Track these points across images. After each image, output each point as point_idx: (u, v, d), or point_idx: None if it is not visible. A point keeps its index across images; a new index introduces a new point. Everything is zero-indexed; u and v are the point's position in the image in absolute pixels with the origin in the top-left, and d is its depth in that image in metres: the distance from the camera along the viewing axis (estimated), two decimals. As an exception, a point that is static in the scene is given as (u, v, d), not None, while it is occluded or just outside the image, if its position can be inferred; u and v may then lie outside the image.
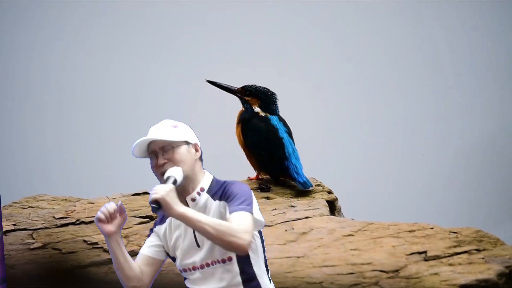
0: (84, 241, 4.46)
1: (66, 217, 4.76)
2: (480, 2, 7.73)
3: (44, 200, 5.24)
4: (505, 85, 7.83)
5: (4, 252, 3.67)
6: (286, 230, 4.50)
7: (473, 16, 7.80)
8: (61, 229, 4.65)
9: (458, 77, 7.82)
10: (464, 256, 4.11)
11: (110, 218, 2.89)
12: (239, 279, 2.89)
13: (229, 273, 2.88)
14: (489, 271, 3.93)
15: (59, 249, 4.42)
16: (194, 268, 2.91)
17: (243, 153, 5.20)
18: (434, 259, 4.11)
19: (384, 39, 7.82)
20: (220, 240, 2.78)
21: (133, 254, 4.32)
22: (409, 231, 4.40)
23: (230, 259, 2.88)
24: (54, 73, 7.75)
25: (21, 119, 7.73)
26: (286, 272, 4.09)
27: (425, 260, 4.11)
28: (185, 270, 2.93)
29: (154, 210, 2.77)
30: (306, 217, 4.65)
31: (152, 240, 3.00)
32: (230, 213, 2.83)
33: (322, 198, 4.98)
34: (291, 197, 4.99)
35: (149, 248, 2.99)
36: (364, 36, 7.81)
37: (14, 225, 4.70)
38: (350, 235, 4.41)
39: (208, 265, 2.89)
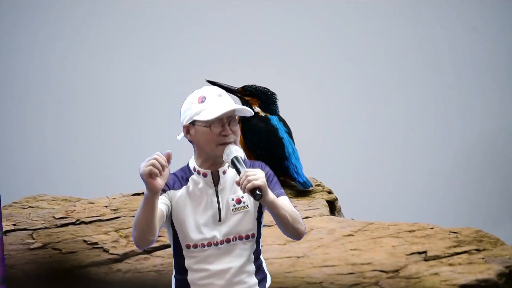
0: (84, 241, 4.46)
1: (66, 217, 4.76)
2: (480, 2, 7.73)
3: (44, 200, 5.24)
4: (505, 85, 7.83)
5: (4, 252, 3.67)
6: (286, 230, 4.49)
7: (473, 16, 7.80)
8: (61, 229, 4.65)
9: (458, 77, 7.82)
10: (464, 256, 4.11)
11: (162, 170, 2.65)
12: (253, 256, 2.85)
13: (247, 250, 2.82)
14: (489, 271, 3.94)
15: (59, 249, 4.42)
16: (209, 244, 2.79)
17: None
18: (434, 259, 4.11)
19: (384, 39, 7.82)
20: (292, 227, 2.77)
21: (133, 254, 4.32)
22: (409, 231, 4.40)
23: (253, 235, 2.84)
24: (54, 73, 7.75)
25: (21, 119, 7.73)
26: (286, 272, 4.09)
27: (425, 260, 4.11)
28: (195, 246, 2.81)
29: (258, 197, 2.68)
30: (306, 217, 4.65)
31: (164, 199, 2.81)
32: (277, 195, 2.81)
33: (322, 198, 4.98)
34: (291, 197, 4.99)
35: (162, 204, 2.79)
36: (364, 36, 7.81)
37: (14, 225, 4.70)
38: (350, 235, 4.41)
39: (229, 240, 2.80)
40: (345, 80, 7.82)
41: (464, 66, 7.81)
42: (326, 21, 7.77)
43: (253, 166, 2.85)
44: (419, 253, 4.17)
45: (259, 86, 5.22)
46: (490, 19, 7.80)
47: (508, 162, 7.78)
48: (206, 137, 2.80)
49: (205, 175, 2.84)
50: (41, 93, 7.74)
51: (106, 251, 4.34)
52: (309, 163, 5.27)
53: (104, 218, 4.70)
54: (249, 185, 2.67)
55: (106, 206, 4.86)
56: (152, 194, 2.64)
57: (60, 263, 4.35)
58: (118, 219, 4.67)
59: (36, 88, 7.75)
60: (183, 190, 2.84)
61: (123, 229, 4.56)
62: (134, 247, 4.40)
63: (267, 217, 4.67)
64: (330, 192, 5.09)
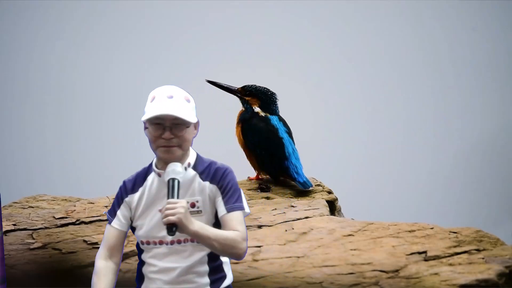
0: (84, 241, 4.46)
1: (66, 217, 4.76)
2: (480, 2, 7.73)
3: (44, 200, 5.24)
4: (505, 85, 7.83)
5: (4, 252, 3.67)
6: (286, 230, 4.50)
7: (473, 16, 7.80)
8: (61, 229, 4.65)
9: (458, 77, 7.82)
10: (464, 256, 4.11)
11: None
12: (206, 258, 2.89)
13: (200, 252, 2.88)
14: (489, 271, 3.94)
15: (59, 249, 4.42)
16: (161, 243, 2.87)
17: (243, 153, 5.20)
18: (434, 259, 4.11)
19: (384, 39, 7.82)
20: (224, 253, 2.81)
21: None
22: (409, 231, 4.40)
23: None
24: (54, 73, 7.75)
25: (21, 119, 7.73)
26: (286, 272, 4.09)
27: (425, 260, 4.11)
28: (148, 243, 2.88)
29: (171, 234, 2.72)
30: (306, 217, 4.65)
31: (124, 213, 2.93)
32: (228, 211, 2.83)
33: (322, 198, 4.98)
34: (291, 197, 4.99)
35: (121, 222, 2.93)
36: (364, 36, 7.81)
37: (14, 225, 4.70)
38: (350, 235, 4.41)
39: (179, 242, 2.87)
40: (345, 80, 7.82)
41: (464, 66, 7.81)
42: (326, 21, 7.77)
43: (215, 173, 2.86)
44: (419, 253, 4.16)
45: (259, 86, 5.22)
46: (490, 19, 7.80)
47: (508, 162, 7.78)
48: (149, 138, 2.86)
49: (159, 175, 2.89)
50: (41, 93, 7.74)
51: (106, 251, 4.34)
52: (309, 163, 5.27)
53: (104, 218, 4.70)
54: (164, 220, 2.71)
55: (106, 206, 4.87)
56: None
57: (60, 263, 4.35)
58: (118, 219, 4.67)
59: (36, 88, 7.75)
60: (140, 192, 2.90)
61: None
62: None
63: (266, 217, 4.67)
64: (330, 192, 5.09)
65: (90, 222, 4.70)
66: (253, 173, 5.24)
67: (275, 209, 4.79)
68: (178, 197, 2.77)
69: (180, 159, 2.86)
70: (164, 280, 2.88)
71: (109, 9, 7.71)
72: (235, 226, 2.82)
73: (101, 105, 7.69)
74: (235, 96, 5.24)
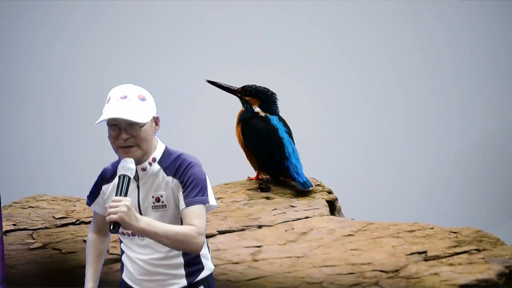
0: (84, 241, 4.45)
1: (66, 217, 4.76)
2: (480, 2, 7.74)
3: (44, 200, 5.24)
4: (505, 85, 7.83)
5: (4, 252, 3.67)
6: (286, 230, 4.50)
7: (473, 16, 7.80)
8: (61, 229, 4.65)
9: (458, 77, 7.83)
10: (464, 256, 4.11)
11: None
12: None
13: None
14: (489, 271, 3.94)
15: (59, 249, 4.42)
16: (134, 234, 2.92)
17: (243, 153, 5.20)
18: (434, 259, 4.11)
19: (384, 39, 7.82)
20: (177, 248, 2.85)
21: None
22: (409, 231, 4.40)
23: None
24: (54, 73, 7.75)
25: (21, 119, 7.74)
26: (286, 272, 4.09)
27: (425, 260, 4.11)
28: (123, 234, 2.95)
29: (113, 231, 2.75)
30: (306, 217, 4.65)
31: (99, 201, 3.05)
32: (187, 205, 2.85)
33: (322, 198, 4.98)
34: (291, 197, 4.99)
35: (101, 208, 3.06)
36: (364, 36, 7.81)
37: (14, 225, 4.70)
38: (350, 235, 4.41)
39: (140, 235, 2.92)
40: (345, 80, 7.82)
41: (464, 66, 7.81)
42: (326, 21, 7.78)
43: (178, 168, 2.88)
44: (419, 253, 4.17)
45: (259, 86, 5.22)
46: (490, 19, 7.80)
47: (508, 162, 7.78)
48: (109, 138, 2.91)
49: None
50: (41, 93, 7.74)
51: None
52: (309, 163, 5.27)
53: (104, 218, 4.70)
54: (107, 218, 2.75)
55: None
56: None
57: (60, 263, 4.35)
58: (118, 219, 4.67)
59: (36, 88, 7.75)
60: (112, 183, 2.97)
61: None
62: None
63: (266, 217, 4.68)
64: (330, 192, 5.09)
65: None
66: (253, 173, 5.24)
67: (275, 209, 4.79)
68: (126, 194, 2.79)
69: (141, 157, 2.89)
70: (138, 270, 2.94)
71: (109, 9, 7.71)
72: (191, 221, 2.83)
73: (101, 105, 7.68)
74: (235, 96, 5.24)
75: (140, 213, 2.89)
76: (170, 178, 2.89)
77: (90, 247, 3.15)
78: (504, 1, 7.74)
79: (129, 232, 2.92)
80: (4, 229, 4.55)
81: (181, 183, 2.87)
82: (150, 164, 2.90)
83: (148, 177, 2.90)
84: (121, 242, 3.00)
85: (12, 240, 4.52)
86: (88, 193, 3.11)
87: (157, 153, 2.92)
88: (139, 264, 2.94)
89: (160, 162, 2.91)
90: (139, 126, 2.86)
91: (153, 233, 2.77)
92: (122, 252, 3.01)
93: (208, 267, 2.99)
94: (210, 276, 3.00)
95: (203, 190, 2.88)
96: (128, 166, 2.83)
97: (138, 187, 2.92)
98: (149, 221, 2.79)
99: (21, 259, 4.36)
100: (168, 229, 2.79)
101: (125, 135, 2.86)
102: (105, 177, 3.02)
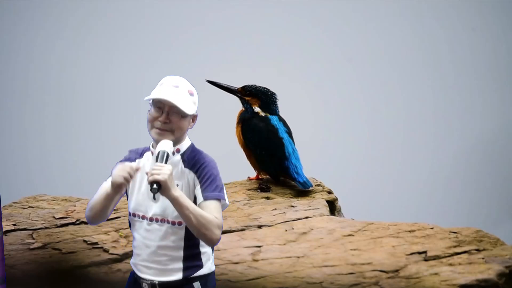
0: (84, 241, 4.46)
1: (66, 217, 4.76)
2: (480, 2, 7.73)
3: (44, 200, 5.24)
4: (505, 85, 7.83)
5: (4, 252, 3.67)
6: (286, 230, 4.50)
7: (473, 16, 7.80)
8: (61, 229, 4.65)
9: (458, 77, 7.82)
10: (464, 256, 4.11)
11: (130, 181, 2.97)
12: (181, 243, 3.01)
13: (174, 235, 3.00)
14: (489, 271, 3.94)
15: (59, 249, 4.42)
16: (144, 218, 3.01)
17: (243, 153, 5.21)
18: (434, 259, 4.11)
19: (384, 39, 7.82)
20: (198, 230, 2.90)
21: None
22: (409, 231, 4.40)
23: (180, 223, 2.99)
24: (54, 73, 7.75)
25: (21, 119, 7.73)
26: (286, 272, 4.09)
27: (425, 260, 4.11)
28: (134, 215, 3.04)
29: (154, 190, 2.83)
30: (306, 217, 4.65)
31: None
32: (205, 199, 2.95)
33: (322, 198, 4.98)
34: (291, 197, 4.99)
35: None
36: (364, 36, 7.81)
37: (14, 225, 4.70)
38: (350, 235, 4.41)
39: (157, 220, 3.00)
40: (345, 80, 7.82)
41: (464, 66, 7.81)
42: (326, 21, 7.77)
43: (196, 162, 3.00)
44: (419, 253, 4.17)
45: (259, 86, 5.22)
46: (490, 19, 7.80)
47: (508, 162, 7.78)
48: (148, 118, 3.03)
49: (152, 154, 3.06)
50: (41, 93, 7.74)
51: (106, 251, 4.34)
52: (309, 163, 5.27)
53: (104, 218, 4.70)
54: (150, 178, 2.85)
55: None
56: (114, 192, 2.96)
57: (60, 263, 4.35)
58: (118, 219, 4.68)
59: (36, 88, 7.75)
60: (136, 163, 3.02)
61: (123, 229, 4.56)
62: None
63: (266, 217, 4.68)
64: (330, 192, 5.09)
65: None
66: (253, 173, 5.24)
67: (275, 209, 4.79)
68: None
69: (172, 143, 3.00)
70: (140, 255, 3.03)
71: (109, 9, 7.71)
72: (212, 213, 2.93)
73: (101, 105, 7.69)
74: (235, 96, 5.24)
75: (154, 198, 2.96)
76: (187, 170, 3.00)
77: (104, 186, 3.07)
78: (504, 1, 7.73)
79: (140, 214, 3.02)
80: (4, 229, 4.55)
81: (198, 177, 2.98)
82: (173, 153, 3.02)
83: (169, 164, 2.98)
84: (129, 225, 3.08)
85: (12, 240, 4.52)
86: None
87: (183, 146, 3.04)
88: (142, 248, 3.02)
89: (182, 154, 3.02)
90: (182, 115, 2.99)
91: (184, 205, 2.86)
92: (133, 237, 3.09)
93: (208, 267, 3.05)
94: (208, 275, 3.05)
95: (220, 186, 2.99)
96: (167, 144, 2.95)
97: None
98: (184, 195, 2.88)
99: (21, 259, 4.36)
100: (196, 208, 2.89)
101: (165, 118, 2.98)
102: (130, 157, 3.10)
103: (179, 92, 3.01)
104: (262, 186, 5.10)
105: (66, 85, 7.73)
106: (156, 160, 2.92)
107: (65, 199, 5.24)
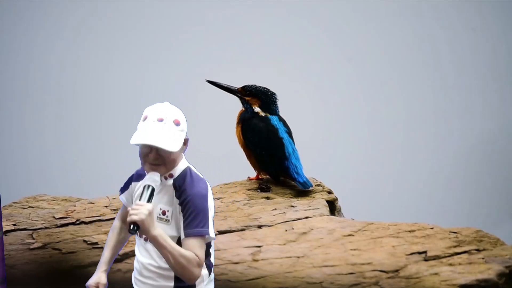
0: (84, 241, 4.46)
1: (66, 217, 4.76)
2: (480, 2, 7.73)
3: (44, 200, 5.24)
4: (505, 85, 7.83)
5: (4, 252, 3.67)
6: (286, 230, 4.50)
7: (473, 16, 7.80)
8: (61, 229, 4.65)
9: (458, 77, 7.82)
10: (464, 256, 4.11)
11: None
12: None
13: None
14: (489, 271, 3.94)
15: (59, 249, 4.42)
16: (141, 236, 3.06)
17: (243, 153, 5.20)
18: (434, 259, 4.11)
19: (384, 39, 7.81)
20: (176, 270, 2.93)
21: (133, 254, 4.32)
22: (409, 231, 4.40)
23: None
24: (54, 73, 7.74)
25: (21, 119, 7.73)
26: (286, 272, 4.09)
27: (425, 260, 4.11)
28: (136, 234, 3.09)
29: (132, 231, 2.88)
30: (306, 217, 4.65)
31: (126, 196, 3.21)
32: (186, 235, 2.96)
33: (322, 198, 4.98)
34: (291, 197, 4.99)
35: (127, 201, 3.21)
36: (364, 36, 7.81)
37: (14, 225, 4.70)
38: (350, 235, 4.41)
39: (146, 240, 3.06)
40: (345, 80, 7.82)
41: (464, 66, 7.80)
42: (326, 21, 7.77)
43: (183, 192, 3.00)
44: (419, 253, 4.16)
45: (259, 86, 5.22)
46: (490, 19, 7.80)
47: (508, 162, 7.78)
48: (139, 152, 3.04)
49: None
50: (41, 93, 7.74)
51: (106, 251, 4.34)
52: (309, 163, 5.27)
53: (104, 218, 4.71)
54: (128, 218, 2.89)
55: (106, 206, 4.87)
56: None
57: (60, 263, 4.35)
58: (118, 219, 4.67)
59: (36, 88, 7.75)
60: (140, 183, 3.10)
61: (123, 229, 4.55)
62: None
63: (266, 217, 4.67)
64: (330, 192, 5.09)
65: (90, 222, 4.70)
66: (253, 173, 5.24)
67: (275, 209, 4.79)
68: (148, 202, 2.94)
69: (165, 173, 3.03)
70: (137, 269, 3.10)
71: (109, 9, 7.71)
72: (193, 250, 2.95)
73: (101, 105, 7.69)
74: (235, 96, 5.24)
75: None
76: (175, 200, 3.01)
77: (113, 232, 3.28)
78: (504, 1, 7.73)
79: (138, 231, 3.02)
80: (4, 229, 4.55)
81: (182, 210, 2.99)
82: (166, 178, 3.03)
83: (161, 189, 3.02)
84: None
85: (12, 240, 4.52)
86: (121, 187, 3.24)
87: (176, 171, 3.04)
88: (138, 264, 3.09)
89: (175, 180, 3.03)
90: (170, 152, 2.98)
91: (162, 245, 2.90)
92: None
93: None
94: None
95: (203, 220, 2.98)
96: (154, 178, 2.97)
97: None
98: (164, 235, 2.92)
99: (21, 259, 4.36)
100: (176, 248, 2.91)
101: (154, 156, 2.99)
102: (136, 175, 3.16)
103: (164, 128, 2.98)
104: (262, 186, 5.10)
105: (66, 85, 7.73)
106: (140, 198, 2.94)
107: (65, 199, 5.24)
